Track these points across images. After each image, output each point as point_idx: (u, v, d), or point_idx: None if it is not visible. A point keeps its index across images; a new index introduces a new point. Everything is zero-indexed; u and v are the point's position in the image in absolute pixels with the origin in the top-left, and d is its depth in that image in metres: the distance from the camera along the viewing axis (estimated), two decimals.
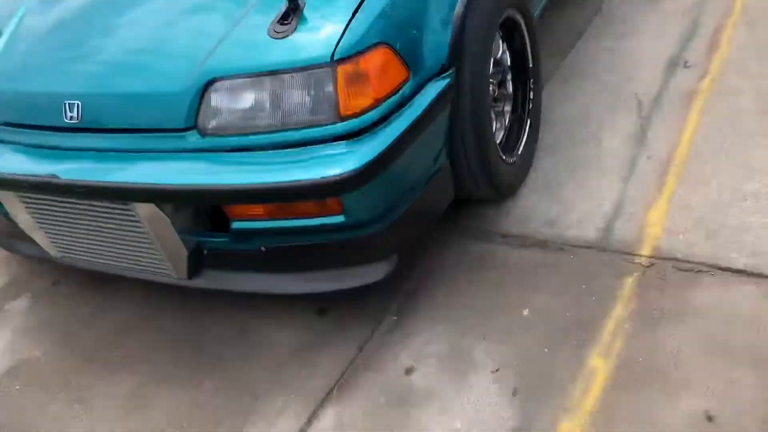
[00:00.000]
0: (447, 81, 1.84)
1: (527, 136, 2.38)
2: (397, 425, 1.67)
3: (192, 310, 2.18)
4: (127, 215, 1.86)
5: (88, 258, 2.11)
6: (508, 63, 2.32)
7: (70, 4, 2.15)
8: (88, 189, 1.80)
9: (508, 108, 2.37)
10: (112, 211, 1.88)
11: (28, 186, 1.90)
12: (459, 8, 1.88)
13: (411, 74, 1.76)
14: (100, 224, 1.94)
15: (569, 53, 3.11)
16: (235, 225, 1.78)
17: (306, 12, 1.71)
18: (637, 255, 1.99)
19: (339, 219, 1.70)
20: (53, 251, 2.19)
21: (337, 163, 1.61)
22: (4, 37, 2.15)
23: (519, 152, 2.32)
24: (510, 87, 2.36)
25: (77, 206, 1.94)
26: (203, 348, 2.03)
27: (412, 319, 1.95)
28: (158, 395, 1.91)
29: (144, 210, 1.81)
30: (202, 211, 1.93)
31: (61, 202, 1.95)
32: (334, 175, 1.59)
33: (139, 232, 1.89)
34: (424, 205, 1.91)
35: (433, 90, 1.81)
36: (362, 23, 1.68)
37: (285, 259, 1.88)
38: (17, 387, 2.05)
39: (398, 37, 1.74)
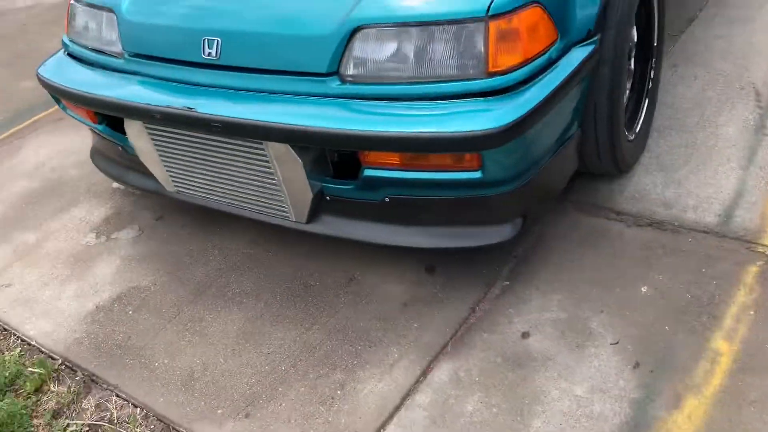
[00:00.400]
0: (592, 47, 1.81)
1: (645, 114, 2.34)
2: (516, 385, 1.68)
3: (298, 254, 2.22)
4: (258, 154, 1.89)
5: (205, 194, 2.16)
6: (635, 39, 2.28)
7: None
8: (224, 124, 1.83)
9: (628, 85, 2.32)
10: (242, 148, 1.91)
11: (161, 117, 1.94)
12: None
13: (559, 36, 1.74)
14: (227, 161, 1.98)
15: (680, 38, 3.03)
16: (367, 172, 1.79)
17: None
18: (760, 244, 1.95)
19: (475, 175, 1.69)
20: (169, 185, 2.24)
21: (484, 118, 1.61)
22: None
23: (637, 130, 2.28)
24: (632, 63, 2.32)
25: (206, 141, 1.97)
26: (311, 292, 2.06)
27: (525, 286, 1.95)
28: (270, 332, 1.95)
29: (277, 150, 1.84)
30: (328, 158, 1.95)
31: (189, 136, 1.99)
32: (481, 130, 1.58)
33: (267, 172, 1.92)
34: (553, 172, 1.90)
35: (578, 55, 1.78)
36: None
37: (408, 211, 1.88)
38: (130, 311, 2.12)
39: None
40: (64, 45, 2.40)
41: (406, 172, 1.76)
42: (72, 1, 2.33)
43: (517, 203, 1.82)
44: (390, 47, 1.72)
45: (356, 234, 1.98)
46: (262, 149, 1.87)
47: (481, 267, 2.03)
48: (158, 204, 2.58)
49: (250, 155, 1.92)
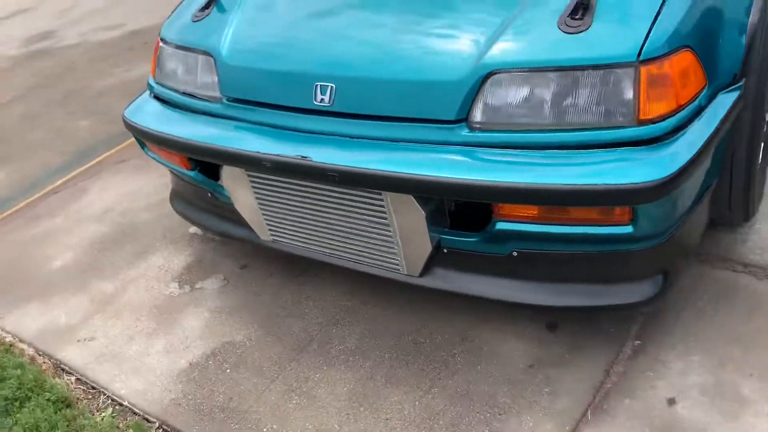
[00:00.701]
0: (737, 93, 1.70)
1: (763, 160, 2.22)
2: None
3: (401, 308, 2.09)
4: (375, 204, 1.78)
5: (305, 244, 2.05)
6: None
7: None
8: (341, 174, 1.73)
9: None
10: (357, 198, 1.80)
11: (271, 165, 1.84)
12: (754, 16, 1.76)
13: (708, 82, 1.63)
14: (337, 211, 1.87)
15: None
16: (500, 225, 1.67)
17: (598, 8, 1.61)
18: None
19: (625, 230, 1.57)
20: (264, 234, 2.13)
21: (641, 169, 1.49)
22: (240, 6, 2.11)
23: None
24: None
25: (314, 190, 1.88)
26: (422, 350, 1.93)
27: (659, 346, 1.81)
28: (385, 394, 1.82)
29: (397, 201, 1.73)
30: (446, 208, 1.84)
31: (296, 184, 1.90)
32: (641, 182, 1.47)
33: (382, 223, 1.81)
34: (693, 224, 1.77)
35: (725, 101, 1.67)
36: (668, 24, 1.56)
37: (535, 266, 1.76)
38: (227, 369, 1.99)
39: (700, 41, 1.61)
40: (150, 87, 2.33)
41: (543, 226, 1.65)
42: (161, 44, 2.26)
43: (658, 259, 1.69)
44: (525, 93, 1.62)
45: (473, 289, 1.85)
46: (380, 199, 1.76)
47: (607, 325, 1.89)
48: (240, 251, 2.48)
49: (364, 205, 1.81)
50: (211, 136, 1.99)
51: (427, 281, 1.89)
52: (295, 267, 2.33)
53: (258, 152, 1.85)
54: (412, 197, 1.71)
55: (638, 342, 1.83)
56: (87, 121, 3.89)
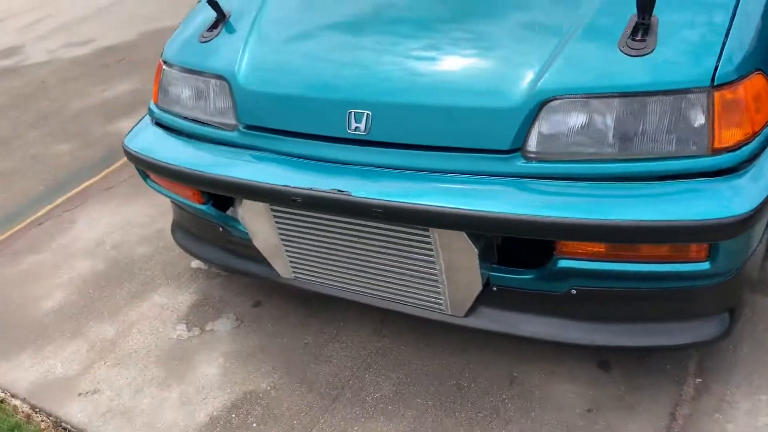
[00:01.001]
0: None
1: None
2: None
3: (437, 347, 1.95)
4: (419, 241, 1.64)
5: (331, 282, 1.90)
6: None
7: None
8: (387, 210, 1.57)
9: None
10: (398, 234, 1.66)
11: (302, 200, 1.68)
12: None
13: None
14: (374, 248, 1.72)
15: None
16: (562, 263, 1.54)
17: (660, 28, 1.51)
18: None
19: (702, 266, 1.46)
20: (285, 272, 1.97)
21: (721, 203, 1.38)
22: (254, 25, 1.95)
23: None
24: None
25: (348, 226, 1.73)
26: (468, 396, 1.79)
27: (722, 384, 1.70)
28: None
29: (447, 238, 1.59)
30: (494, 243, 1.71)
31: (328, 220, 1.75)
32: (723, 217, 1.36)
33: (426, 261, 1.67)
34: (757, 257, 1.68)
35: None
36: (739, 46, 1.46)
37: (595, 304, 1.64)
38: (253, 423, 1.81)
39: None
40: (151, 113, 2.14)
41: (610, 264, 1.53)
42: (165, 67, 2.07)
43: (726, 295, 1.59)
44: (586, 120, 1.50)
45: (524, 330, 1.71)
46: (426, 236, 1.62)
47: (661, 362, 1.78)
48: (251, 287, 2.30)
49: (407, 242, 1.66)
50: (229, 167, 1.81)
51: (473, 321, 1.75)
52: (313, 303, 2.17)
53: (287, 186, 1.69)
54: (464, 234, 1.57)
55: (699, 380, 1.73)
56: (66, 145, 3.65)
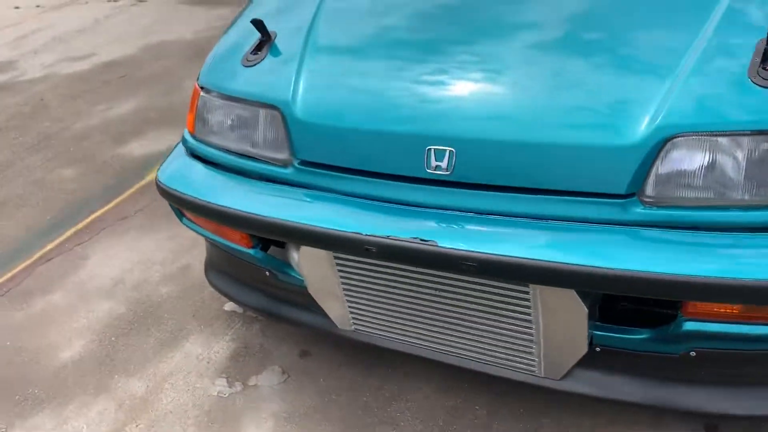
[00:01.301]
0: None
1: None
2: None
3: (515, 408, 1.74)
4: (517, 298, 1.44)
5: (398, 337, 1.69)
6: None
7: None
8: (482, 264, 1.37)
9: None
10: (491, 290, 1.46)
11: (378, 250, 1.47)
12: None
13: None
14: (455, 303, 1.52)
15: None
16: (689, 326, 1.34)
17: None
18: None
19: None
20: (344, 323, 1.75)
21: None
22: (307, 48, 1.73)
23: None
24: None
25: (427, 279, 1.52)
26: None
27: None
28: None
29: (552, 296, 1.39)
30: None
31: (402, 270, 1.54)
32: None
33: (522, 319, 1.46)
34: None
35: None
36: None
37: (715, 367, 1.45)
38: None
39: None
40: (186, 143, 1.91)
41: (744, 326, 1.33)
42: (203, 93, 1.85)
43: None
44: (714, 161, 1.31)
45: (630, 395, 1.51)
46: (524, 292, 1.42)
47: None
48: (294, 334, 2.08)
49: (499, 298, 1.46)
50: (288, 210, 1.60)
51: (571, 386, 1.54)
52: (369, 353, 1.95)
53: (359, 233, 1.48)
54: (574, 292, 1.37)
55: None
56: (71, 169, 3.40)
